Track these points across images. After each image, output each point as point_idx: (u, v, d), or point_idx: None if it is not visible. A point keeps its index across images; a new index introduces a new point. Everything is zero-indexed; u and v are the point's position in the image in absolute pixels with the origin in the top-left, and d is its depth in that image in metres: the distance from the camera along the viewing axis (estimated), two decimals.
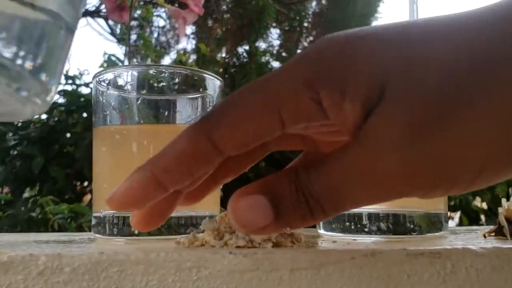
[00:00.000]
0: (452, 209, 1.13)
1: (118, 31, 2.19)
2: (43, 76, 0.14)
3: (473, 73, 0.13)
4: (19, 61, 0.13)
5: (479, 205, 1.15)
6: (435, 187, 0.14)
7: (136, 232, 0.24)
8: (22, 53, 0.13)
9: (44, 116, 1.25)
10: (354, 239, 0.24)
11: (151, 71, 0.27)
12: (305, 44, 1.89)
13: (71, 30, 0.15)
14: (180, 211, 0.25)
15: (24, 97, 0.13)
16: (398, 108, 0.14)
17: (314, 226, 0.29)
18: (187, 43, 1.91)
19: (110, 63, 1.05)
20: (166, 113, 0.26)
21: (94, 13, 2.36)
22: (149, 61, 1.15)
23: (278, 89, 0.15)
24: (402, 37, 0.14)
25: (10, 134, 1.15)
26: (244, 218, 0.15)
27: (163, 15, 1.50)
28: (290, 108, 0.15)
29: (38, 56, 0.13)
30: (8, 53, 0.12)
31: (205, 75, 0.28)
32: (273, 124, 0.15)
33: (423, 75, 0.13)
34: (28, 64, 0.13)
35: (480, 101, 0.13)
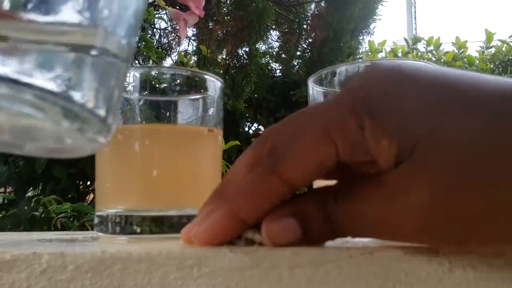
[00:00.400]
0: None
1: None
2: (108, 117, 0.15)
3: (493, 149, 0.14)
4: (88, 104, 0.14)
5: None
6: (444, 245, 0.16)
7: (138, 230, 0.24)
8: (88, 96, 0.14)
9: None
10: (352, 238, 0.24)
11: (152, 73, 0.28)
12: (304, 46, 1.89)
13: (127, 68, 0.16)
14: (183, 210, 0.25)
15: (89, 136, 0.14)
16: (427, 169, 0.15)
17: None
18: (188, 45, 1.91)
19: None
20: (168, 113, 0.27)
21: None
22: (150, 63, 1.15)
23: (329, 119, 0.17)
24: (445, 101, 0.15)
25: None
26: (277, 239, 0.17)
27: (165, 17, 1.50)
28: (341, 136, 0.16)
29: (101, 96, 0.14)
30: (77, 97, 0.13)
31: (206, 76, 0.28)
32: (330, 154, 0.16)
33: (453, 143, 0.14)
34: (93, 105, 0.14)
35: (497, 179, 0.14)
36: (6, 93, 0.12)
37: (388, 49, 1.71)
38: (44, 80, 0.12)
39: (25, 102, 0.12)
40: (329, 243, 0.20)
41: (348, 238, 0.21)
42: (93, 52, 0.14)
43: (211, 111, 0.28)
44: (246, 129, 1.77)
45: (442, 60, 1.54)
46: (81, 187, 1.17)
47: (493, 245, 0.15)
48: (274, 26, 1.86)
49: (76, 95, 0.13)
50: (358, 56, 1.85)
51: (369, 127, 0.16)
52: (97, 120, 0.14)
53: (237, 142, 0.76)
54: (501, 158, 0.14)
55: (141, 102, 0.26)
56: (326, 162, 0.17)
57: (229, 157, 0.92)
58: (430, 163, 0.14)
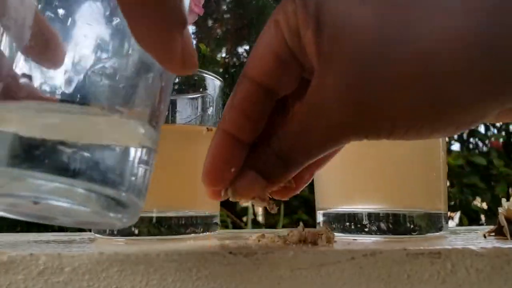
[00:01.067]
0: (452, 209, 1.13)
1: None
2: (141, 204, 0.16)
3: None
4: (131, 197, 0.15)
5: (479, 205, 1.15)
6: (369, 133, 0.16)
7: (136, 232, 0.24)
8: (131, 189, 0.15)
9: None
10: (354, 239, 0.24)
11: None
12: None
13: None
14: (181, 211, 0.25)
15: (123, 220, 0.15)
16: (332, 73, 0.15)
17: (315, 226, 0.29)
18: None
19: None
20: (166, 112, 0.27)
21: None
22: None
23: (277, 11, 0.17)
24: None
25: None
26: (245, 191, 0.18)
27: None
28: (283, 21, 0.17)
29: (139, 187, 0.16)
30: (122, 190, 0.14)
31: (205, 75, 0.28)
32: (280, 40, 0.17)
33: (357, 35, 0.15)
34: (134, 196, 0.15)
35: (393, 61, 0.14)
36: (58, 186, 0.13)
37: None
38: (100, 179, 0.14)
39: (75, 197, 0.13)
40: (330, 245, 0.20)
41: (349, 239, 0.21)
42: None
43: (210, 110, 0.28)
44: None
45: None
46: None
47: (401, 128, 0.15)
48: None
49: (122, 189, 0.14)
50: None
51: (300, 14, 0.16)
52: (134, 209, 0.15)
53: None
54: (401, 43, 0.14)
55: None
56: (280, 52, 0.17)
57: None
58: (337, 62, 0.15)
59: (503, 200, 0.25)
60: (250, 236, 0.23)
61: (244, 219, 1.07)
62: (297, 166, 0.17)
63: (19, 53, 0.14)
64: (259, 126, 0.18)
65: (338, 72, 0.15)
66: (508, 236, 0.24)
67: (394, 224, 0.24)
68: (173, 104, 0.27)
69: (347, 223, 0.25)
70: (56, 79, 0.14)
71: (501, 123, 1.25)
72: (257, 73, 0.17)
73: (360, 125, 0.15)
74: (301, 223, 0.22)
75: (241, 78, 0.18)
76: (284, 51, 0.17)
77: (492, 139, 1.28)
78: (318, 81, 0.16)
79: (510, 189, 1.13)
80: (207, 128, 0.27)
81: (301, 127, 0.16)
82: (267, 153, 0.17)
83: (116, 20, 0.15)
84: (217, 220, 0.27)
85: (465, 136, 1.29)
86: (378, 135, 0.16)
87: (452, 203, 1.10)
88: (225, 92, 0.32)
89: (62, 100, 0.14)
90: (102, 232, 0.25)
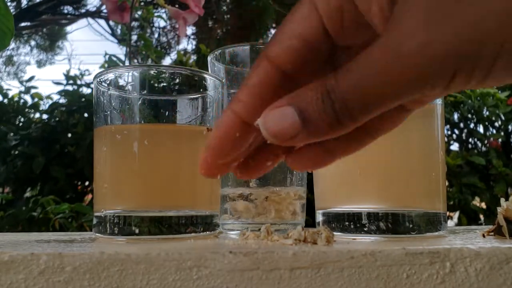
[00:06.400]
0: (451, 208, 1.13)
1: (118, 31, 2.20)
2: None
3: None
4: None
5: (478, 204, 1.15)
6: (452, 73, 0.14)
7: (137, 231, 0.24)
8: None
9: (45, 116, 1.25)
10: (354, 239, 0.24)
11: (151, 72, 0.27)
12: None
13: None
14: (182, 210, 0.25)
15: None
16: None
17: (314, 225, 0.29)
18: (188, 44, 1.91)
19: (111, 63, 1.05)
20: (167, 113, 0.27)
21: (95, 14, 2.36)
22: (149, 62, 1.15)
23: None
24: None
25: (11, 134, 1.16)
26: (273, 128, 0.16)
27: (164, 15, 1.50)
28: (323, 3, 0.15)
29: None
30: None
31: (205, 75, 0.28)
32: (314, 25, 0.15)
33: None
34: None
35: None
36: None
37: None
38: None
39: None
40: (329, 245, 0.20)
41: (348, 238, 0.21)
42: None
43: (210, 110, 0.28)
44: None
45: None
46: (79, 187, 1.17)
47: (500, 64, 0.13)
48: (274, 25, 1.86)
49: None
50: None
51: None
52: None
53: None
54: None
55: (139, 102, 0.26)
56: (309, 36, 0.16)
57: None
58: None
59: (502, 200, 0.25)
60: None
61: None
62: (350, 122, 0.15)
63: None
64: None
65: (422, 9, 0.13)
66: (507, 236, 0.24)
67: (393, 223, 0.24)
68: (173, 104, 0.27)
69: (347, 223, 0.25)
70: None
71: (499, 122, 1.25)
72: (280, 58, 0.16)
73: (461, 55, 0.13)
74: None
75: (261, 60, 0.16)
76: (316, 32, 0.16)
77: (491, 139, 1.28)
78: (399, 10, 0.14)
79: (509, 189, 1.13)
80: (207, 128, 0.27)
81: (374, 67, 0.14)
82: (317, 90, 0.15)
83: None
84: (217, 219, 0.27)
85: (463, 136, 1.29)
86: (472, 73, 0.14)
87: (451, 202, 1.10)
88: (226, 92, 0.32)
89: None
90: (103, 231, 0.25)
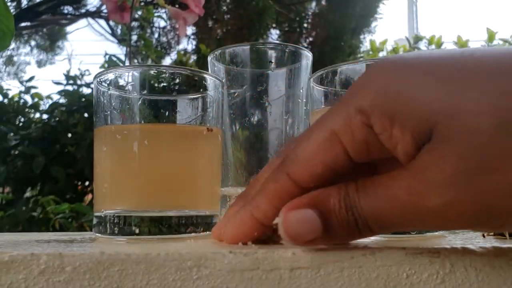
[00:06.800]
0: None
1: (119, 31, 2.20)
2: None
3: None
4: None
5: None
6: (473, 227, 0.15)
7: (137, 231, 0.24)
8: None
9: (45, 116, 1.25)
10: None
11: (151, 72, 0.27)
12: (305, 44, 1.89)
13: None
14: (182, 210, 0.25)
15: None
16: (449, 152, 0.14)
17: None
18: (188, 44, 1.91)
19: (111, 63, 1.05)
20: (167, 113, 0.27)
21: (95, 14, 2.36)
22: (149, 62, 1.15)
23: (335, 121, 0.16)
24: (453, 75, 0.15)
25: (11, 134, 1.16)
26: (294, 231, 0.16)
27: (164, 15, 1.50)
28: (347, 136, 0.16)
29: None
30: None
31: (206, 75, 0.28)
32: (338, 155, 0.16)
33: (474, 122, 0.14)
34: None
35: None
36: None
37: (389, 48, 1.71)
38: None
39: None
40: (329, 245, 0.20)
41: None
42: None
43: (210, 110, 0.28)
44: None
45: None
46: (79, 187, 1.17)
47: None
48: (274, 25, 1.86)
49: None
50: (359, 55, 1.85)
51: (377, 121, 0.15)
52: None
53: None
54: None
55: (139, 102, 0.26)
56: (333, 164, 0.16)
57: None
58: (454, 143, 0.14)
59: None
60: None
61: None
62: (370, 235, 0.16)
63: None
64: None
65: (454, 159, 0.14)
66: (507, 236, 0.24)
67: None
68: (173, 104, 0.27)
69: None
70: None
71: None
72: (303, 179, 0.17)
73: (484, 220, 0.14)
74: None
75: (281, 175, 0.17)
76: (339, 160, 0.16)
77: None
78: (420, 159, 0.15)
79: None
80: (207, 128, 0.27)
81: (397, 206, 0.15)
82: (340, 194, 0.16)
83: None
84: (217, 219, 0.27)
85: None
86: (499, 227, 0.15)
87: None
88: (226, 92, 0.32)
89: None
90: (103, 231, 0.25)
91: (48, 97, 1.35)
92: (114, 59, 1.07)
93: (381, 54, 1.65)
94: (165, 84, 0.27)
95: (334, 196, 0.16)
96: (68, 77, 1.29)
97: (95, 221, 0.26)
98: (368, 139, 0.16)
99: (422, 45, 1.67)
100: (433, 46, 1.62)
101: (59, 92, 1.27)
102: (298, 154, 0.17)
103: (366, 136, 0.16)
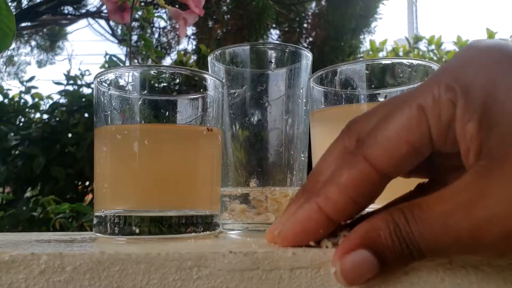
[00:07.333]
0: None
1: (119, 32, 2.20)
2: None
3: None
4: None
5: None
6: None
7: (137, 231, 0.24)
8: None
9: (45, 116, 1.25)
10: None
11: (152, 72, 0.27)
12: (305, 44, 1.89)
13: None
14: (182, 210, 0.25)
15: None
16: (504, 175, 0.13)
17: None
18: (188, 44, 1.91)
19: (112, 63, 1.05)
20: (167, 113, 0.27)
21: (95, 14, 2.36)
22: (150, 62, 1.15)
23: (423, 97, 0.15)
24: None
25: (12, 134, 1.16)
26: (353, 276, 0.16)
27: (164, 16, 1.50)
28: (435, 114, 0.15)
29: None
30: None
31: (206, 75, 0.28)
32: (424, 135, 0.15)
33: None
34: None
35: None
36: None
37: (389, 48, 1.71)
38: None
39: None
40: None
41: None
42: None
43: (210, 110, 0.28)
44: None
45: (443, 59, 1.54)
46: (79, 187, 1.17)
47: None
48: (274, 25, 1.86)
49: None
50: (359, 55, 1.85)
51: (461, 105, 0.14)
52: None
53: None
54: None
55: (140, 102, 0.26)
56: (418, 144, 0.15)
57: None
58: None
59: None
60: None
61: None
62: (423, 259, 0.15)
63: None
64: (363, 208, 0.17)
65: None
66: None
67: None
68: (174, 104, 0.27)
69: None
70: None
71: None
72: (384, 163, 0.15)
73: None
74: None
75: (358, 162, 0.16)
76: (423, 140, 0.15)
77: None
78: (479, 179, 0.14)
79: None
80: (207, 128, 0.27)
81: (442, 218, 0.14)
82: (389, 228, 0.15)
83: None
84: (217, 219, 0.27)
85: None
86: None
87: None
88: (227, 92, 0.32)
89: None
90: (103, 231, 0.25)
91: (49, 97, 1.35)
92: (115, 59, 1.07)
93: (380, 54, 1.65)
94: (165, 84, 0.27)
95: (383, 230, 0.15)
96: (68, 77, 1.29)
97: (95, 221, 0.26)
98: (449, 123, 0.15)
99: (422, 45, 1.67)
100: (433, 46, 1.62)
101: (60, 92, 1.27)
102: (378, 135, 0.16)
103: (451, 117, 0.15)
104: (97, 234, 0.26)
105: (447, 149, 0.16)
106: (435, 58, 1.60)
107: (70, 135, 1.16)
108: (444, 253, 0.15)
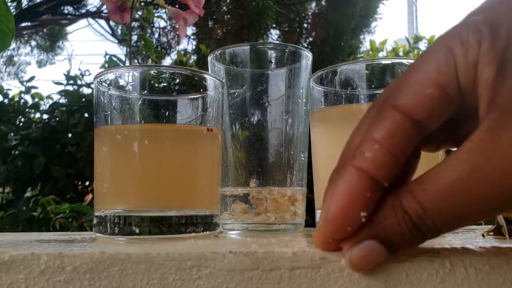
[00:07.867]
0: None
1: (119, 32, 2.20)
2: None
3: None
4: None
5: None
6: None
7: (137, 231, 0.24)
8: None
9: (45, 116, 1.25)
10: None
11: (152, 72, 0.28)
12: (305, 45, 1.89)
13: None
14: (182, 210, 0.25)
15: None
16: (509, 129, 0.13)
17: (314, 225, 0.29)
18: (188, 44, 1.91)
19: (111, 63, 1.05)
20: (167, 113, 0.27)
21: (95, 14, 2.36)
22: (150, 62, 1.15)
23: (452, 37, 0.14)
24: None
25: (12, 134, 1.16)
26: (361, 265, 0.16)
27: (164, 16, 1.50)
28: (462, 54, 0.14)
29: None
30: None
31: (206, 75, 0.28)
32: (453, 77, 0.14)
33: None
34: None
35: None
36: None
37: (389, 48, 1.71)
38: None
39: None
40: None
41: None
42: None
43: (210, 110, 0.28)
44: None
45: None
46: (79, 187, 1.17)
47: None
48: (274, 25, 1.86)
49: None
50: (359, 55, 1.85)
51: (485, 46, 0.14)
52: None
53: None
54: None
55: (140, 102, 0.26)
56: (448, 88, 0.14)
57: None
58: None
59: None
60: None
61: None
62: (434, 237, 0.15)
63: None
64: (401, 165, 0.15)
65: None
66: (507, 236, 0.24)
67: None
68: (173, 104, 0.27)
69: None
70: None
71: None
72: (415, 108, 0.14)
73: None
74: None
75: (388, 112, 0.15)
76: (453, 83, 0.14)
77: None
78: (490, 138, 0.13)
79: None
80: (207, 128, 0.27)
81: (460, 183, 0.13)
82: (397, 216, 0.14)
83: None
84: (217, 219, 0.27)
85: None
86: None
87: None
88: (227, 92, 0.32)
89: None
90: (103, 231, 0.25)
91: (49, 97, 1.35)
92: (115, 59, 1.07)
93: (380, 54, 1.65)
94: (165, 84, 0.27)
95: (390, 217, 0.14)
96: (68, 77, 1.29)
97: (95, 221, 0.26)
98: (477, 64, 0.14)
99: (422, 45, 1.67)
100: None
101: (60, 92, 1.27)
102: (407, 82, 0.15)
103: (477, 58, 0.14)
104: (97, 234, 0.26)
105: (474, 101, 0.15)
106: None
107: (70, 135, 1.16)
108: (463, 223, 0.14)
